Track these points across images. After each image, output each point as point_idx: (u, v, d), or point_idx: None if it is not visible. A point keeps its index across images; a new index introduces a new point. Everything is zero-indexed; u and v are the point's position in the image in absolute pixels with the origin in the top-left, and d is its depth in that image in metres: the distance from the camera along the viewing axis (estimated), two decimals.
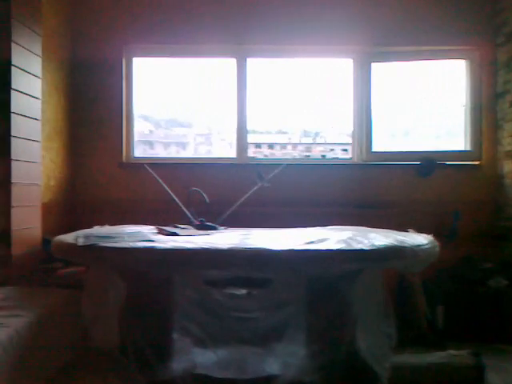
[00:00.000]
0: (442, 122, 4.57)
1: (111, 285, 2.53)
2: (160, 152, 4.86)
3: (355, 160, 4.39)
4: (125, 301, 2.52)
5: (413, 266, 2.51)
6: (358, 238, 2.46)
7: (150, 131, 4.85)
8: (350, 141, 4.49)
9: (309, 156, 4.88)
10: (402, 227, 4.06)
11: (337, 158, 4.76)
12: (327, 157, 4.86)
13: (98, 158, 4.26)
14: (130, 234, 2.59)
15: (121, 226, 3.09)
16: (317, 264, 2.30)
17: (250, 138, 4.48)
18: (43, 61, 3.51)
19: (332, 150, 4.84)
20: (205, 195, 3.31)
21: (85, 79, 4.25)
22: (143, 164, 4.00)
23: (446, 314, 3.61)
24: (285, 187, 4.04)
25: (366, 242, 2.40)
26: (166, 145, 4.91)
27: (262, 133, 4.84)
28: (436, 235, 2.65)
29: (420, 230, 2.90)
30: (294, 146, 4.96)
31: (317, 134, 4.82)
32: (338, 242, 2.40)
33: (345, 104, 4.45)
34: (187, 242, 2.43)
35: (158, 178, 3.65)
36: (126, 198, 4.21)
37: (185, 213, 3.39)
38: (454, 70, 4.46)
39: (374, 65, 4.35)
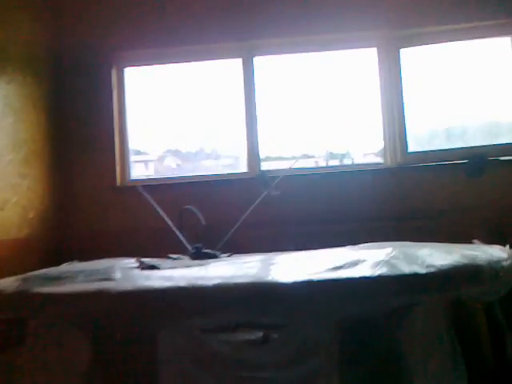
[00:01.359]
0: (490, 112, 3.68)
1: (66, 346, 1.74)
2: None
3: (388, 163, 3.54)
4: (89, 367, 1.72)
5: (490, 291, 1.65)
6: (407, 257, 1.62)
7: (178, 165, 4.07)
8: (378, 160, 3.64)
9: None
10: (451, 240, 3.21)
11: (363, 163, 3.84)
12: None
13: (89, 182, 3.52)
14: (90, 273, 1.82)
15: (95, 261, 2.34)
16: (349, 300, 1.47)
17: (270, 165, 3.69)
18: (18, 75, 2.88)
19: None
20: (199, 214, 2.52)
21: (70, 94, 3.55)
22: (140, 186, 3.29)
23: None
24: (303, 201, 3.23)
25: (419, 261, 1.56)
26: None
27: (284, 158, 3.93)
28: None
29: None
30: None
31: (343, 156, 3.89)
32: (378, 264, 1.56)
33: (372, 111, 3.62)
34: (161, 278, 1.64)
35: (151, 199, 2.91)
36: (123, 227, 3.44)
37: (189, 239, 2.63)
38: (498, 49, 3.60)
39: (403, 51, 3.54)
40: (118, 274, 1.74)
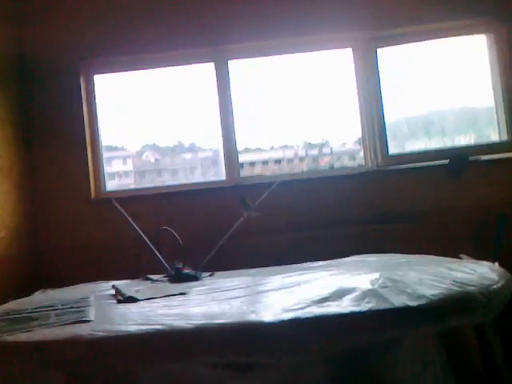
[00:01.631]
0: (469, 110, 3.64)
1: None
2: (168, 180, 3.90)
3: (368, 166, 3.47)
4: None
5: (482, 317, 1.58)
6: (395, 286, 1.54)
7: (156, 160, 3.95)
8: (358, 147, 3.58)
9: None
10: (435, 242, 3.17)
11: (344, 167, 3.78)
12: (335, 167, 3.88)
13: (62, 197, 3.35)
14: (62, 312, 1.70)
15: (69, 288, 2.22)
16: (338, 336, 1.39)
17: (249, 157, 3.65)
18: None
19: (339, 159, 3.90)
20: (177, 235, 2.41)
21: (37, 105, 3.38)
22: (115, 198, 3.17)
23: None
24: (283, 209, 3.14)
25: (408, 290, 1.49)
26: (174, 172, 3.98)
27: (263, 150, 3.89)
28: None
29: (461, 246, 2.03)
30: (301, 159, 3.96)
31: (323, 145, 3.84)
32: (366, 295, 1.48)
33: (349, 104, 3.55)
34: (138, 318, 1.53)
35: (125, 214, 2.78)
36: (100, 242, 3.30)
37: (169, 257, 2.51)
38: (475, 47, 3.55)
39: (380, 51, 3.45)
40: (92, 313, 1.62)
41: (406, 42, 3.46)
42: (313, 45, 3.48)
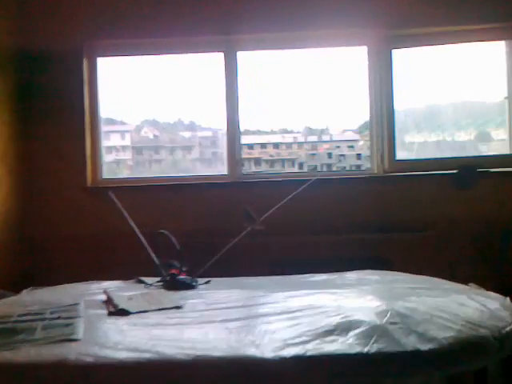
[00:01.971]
0: (481, 120, 3.52)
1: None
2: (166, 157, 3.82)
3: (375, 171, 3.35)
4: None
5: (491, 361, 1.49)
6: (404, 322, 1.44)
7: (155, 136, 3.86)
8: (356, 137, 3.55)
9: (314, 155, 3.88)
10: (439, 254, 3.09)
11: (349, 169, 3.67)
12: (333, 154, 3.80)
13: (57, 182, 3.22)
14: (49, 324, 1.58)
15: (58, 289, 2.11)
16: (342, 378, 1.30)
17: (248, 139, 3.57)
18: None
19: (338, 147, 3.87)
20: (174, 239, 2.29)
21: (37, 87, 3.22)
22: (113, 187, 3.07)
23: None
24: (284, 210, 3.03)
25: (419, 329, 1.39)
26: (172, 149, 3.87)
27: (265, 133, 3.84)
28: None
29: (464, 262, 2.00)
30: (300, 145, 3.95)
31: (322, 132, 3.78)
32: (374, 332, 1.38)
33: (352, 95, 3.44)
34: (128, 343, 1.42)
35: (122, 209, 2.67)
36: (95, 232, 3.18)
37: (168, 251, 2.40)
38: (492, 54, 3.41)
39: (394, 52, 3.30)
40: (80, 329, 1.51)
41: (422, 45, 3.31)
42: (326, 40, 3.33)
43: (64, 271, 2.98)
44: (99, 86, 3.37)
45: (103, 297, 1.94)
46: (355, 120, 3.58)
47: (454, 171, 3.21)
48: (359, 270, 2.27)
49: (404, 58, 3.34)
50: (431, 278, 2.07)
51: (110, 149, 3.66)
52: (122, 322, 1.63)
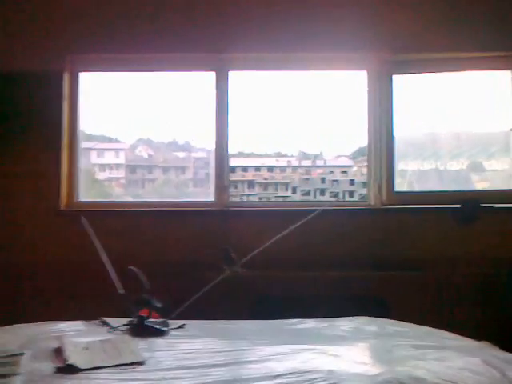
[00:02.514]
0: (487, 152, 3.29)
1: None
2: (159, 176, 3.65)
3: (372, 203, 3.10)
4: None
5: None
6: None
7: (150, 155, 3.67)
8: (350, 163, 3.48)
9: (308, 179, 3.70)
10: (438, 294, 2.82)
11: (343, 200, 3.43)
12: (326, 179, 3.63)
13: (28, 204, 2.93)
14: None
15: (16, 326, 1.82)
16: None
17: (242, 161, 3.48)
18: None
19: (332, 172, 3.71)
20: (143, 277, 2.00)
21: (12, 100, 2.98)
22: (88, 211, 2.80)
23: None
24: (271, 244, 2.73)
25: None
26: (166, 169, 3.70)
27: (259, 155, 3.71)
28: None
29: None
30: (294, 169, 3.78)
31: (316, 156, 3.62)
32: None
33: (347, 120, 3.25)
34: None
35: (92, 236, 2.38)
36: (68, 260, 2.89)
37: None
38: (498, 82, 3.20)
39: (395, 77, 3.08)
40: None
41: (423, 72, 3.10)
42: (324, 63, 3.12)
43: (38, 299, 2.72)
44: (80, 102, 3.11)
45: (55, 344, 1.64)
46: (349, 146, 3.45)
47: (457, 206, 2.97)
48: (352, 310, 2.00)
49: (405, 84, 3.13)
50: (436, 330, 1.79)
51: (104, 166, 3.51)
52: (69, 379, 1.33)
